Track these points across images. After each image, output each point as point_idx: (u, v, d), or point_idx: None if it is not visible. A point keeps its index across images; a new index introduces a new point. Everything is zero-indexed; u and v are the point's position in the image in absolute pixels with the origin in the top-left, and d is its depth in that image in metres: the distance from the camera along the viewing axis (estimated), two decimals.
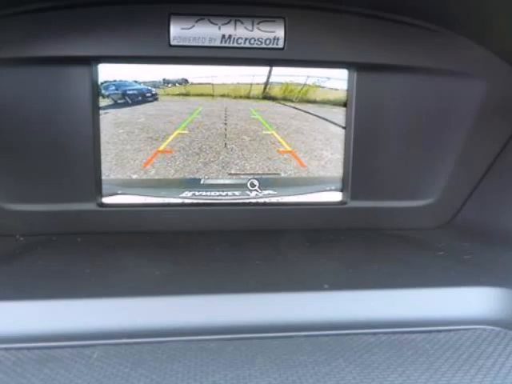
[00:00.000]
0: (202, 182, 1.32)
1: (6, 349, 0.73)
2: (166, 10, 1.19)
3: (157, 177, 1.30)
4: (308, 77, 1.30)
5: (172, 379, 0.65)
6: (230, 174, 1.33)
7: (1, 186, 1.23)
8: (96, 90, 1.24)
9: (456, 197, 1.38)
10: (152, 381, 0.65)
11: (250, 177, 1.33)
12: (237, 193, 1.34)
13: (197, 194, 1.32)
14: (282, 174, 1.34)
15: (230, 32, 1.21)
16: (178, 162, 1.30)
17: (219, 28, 1.20)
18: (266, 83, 1.30)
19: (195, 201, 1.33)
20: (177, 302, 0.86)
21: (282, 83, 1.30)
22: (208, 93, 1.29)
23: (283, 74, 1.30)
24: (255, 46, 1.22)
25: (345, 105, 1.32)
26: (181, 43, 1.20)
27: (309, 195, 1.36)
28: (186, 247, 1.19)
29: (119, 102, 1.26)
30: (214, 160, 1.31)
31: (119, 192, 1.30)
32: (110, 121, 1.26)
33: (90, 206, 1.28)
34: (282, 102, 1.32)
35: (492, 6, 1.10)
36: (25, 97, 1.20)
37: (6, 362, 0.69)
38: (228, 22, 1.20)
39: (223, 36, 1.21)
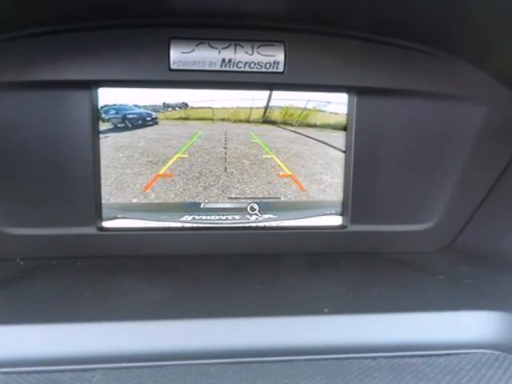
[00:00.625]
0: (202, 205, 1.32)
1: (5, 373, 0.73)
2: (166, 34, 1.19)
3: (157, 201, 1.30)
4: (308, 101, 1.31)
5: None
6: (230, 197, 1.33)
7: (0, 210, 1.23)
8: (96, 114, 1.24)
9: (456, 220, 1.38)
10: None
11: (249, 201, 1.33)
12: (237, 217, 1.34)
13: (197, 217, 1.33)
14: (282, 198, 1.34)
15: (230, 56, 1.21)
16: (178, 186, 1.30)
17: (219, 52, 1.21)
18: (266, 107, 1.30)
19: (195, 225, 1.33)
20: (177, 325, 0.85)
21: (281, 107, 1.31)
22: (208, 117, 1.30)
23: (283, 98, 1.30)
24: (255, 69, 1.22)
25: (345, 129, 1.32)
26: (181, 67, 1.20)
27: (309, 219, 1.36)
28: (186, 271, 1.19)
29: (119, 125, 1.26)
30: (214, 184, 1.31)
31: (119, 216, 1.30)
32: (110, 145, 1.26)
33: (90, 230, 1.27)
34: (282, 126, 1.32)
35: (491, 31, 1.11)
36: (25, 121, 1.20)
37: None
38: (228, 46, 1.21)
39: (223, 60, 1.21)
